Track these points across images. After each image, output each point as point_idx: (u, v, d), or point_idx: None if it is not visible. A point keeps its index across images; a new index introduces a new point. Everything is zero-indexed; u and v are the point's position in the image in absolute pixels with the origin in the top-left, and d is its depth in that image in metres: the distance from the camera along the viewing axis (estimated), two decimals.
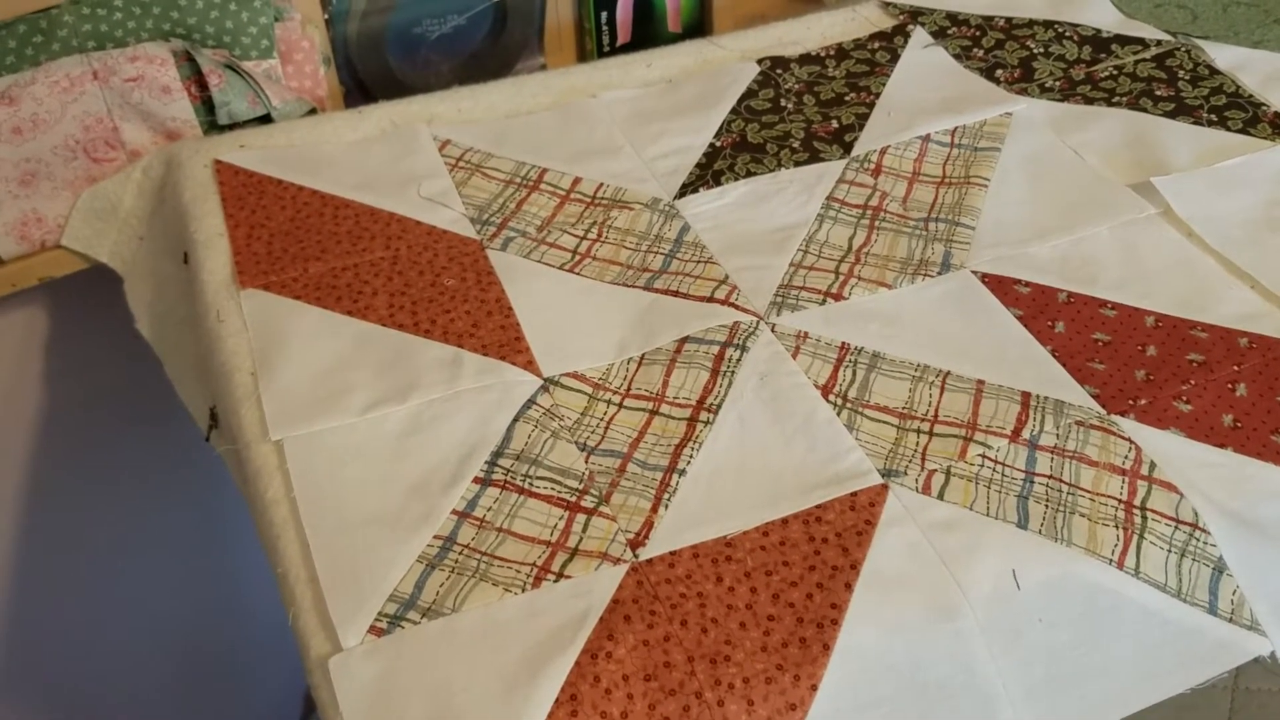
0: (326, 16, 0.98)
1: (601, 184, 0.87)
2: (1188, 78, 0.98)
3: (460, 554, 0.62)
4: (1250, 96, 0.95)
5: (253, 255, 0.81)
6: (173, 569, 1.29)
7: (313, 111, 0.97)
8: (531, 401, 0.71)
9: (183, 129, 0.92)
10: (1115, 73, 0.99)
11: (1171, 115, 0.94)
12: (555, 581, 0.61)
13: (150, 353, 0.91)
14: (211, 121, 0.93)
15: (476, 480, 0.66)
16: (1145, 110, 0.95)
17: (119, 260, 0.92)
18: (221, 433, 0.78)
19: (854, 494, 0.65)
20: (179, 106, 0.91)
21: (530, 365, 0.73)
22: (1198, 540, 0.64)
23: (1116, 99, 0.96)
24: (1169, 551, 0.64)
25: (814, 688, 0.57)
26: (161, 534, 1.26)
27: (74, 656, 1.26)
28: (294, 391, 0.71)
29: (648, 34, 1.14)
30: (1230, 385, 0.72)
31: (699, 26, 1.16)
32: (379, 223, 0.83)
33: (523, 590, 0.60)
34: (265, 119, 0.94)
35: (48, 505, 1.15)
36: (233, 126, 0.93)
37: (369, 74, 1.04)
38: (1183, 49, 1.01)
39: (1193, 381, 0.72)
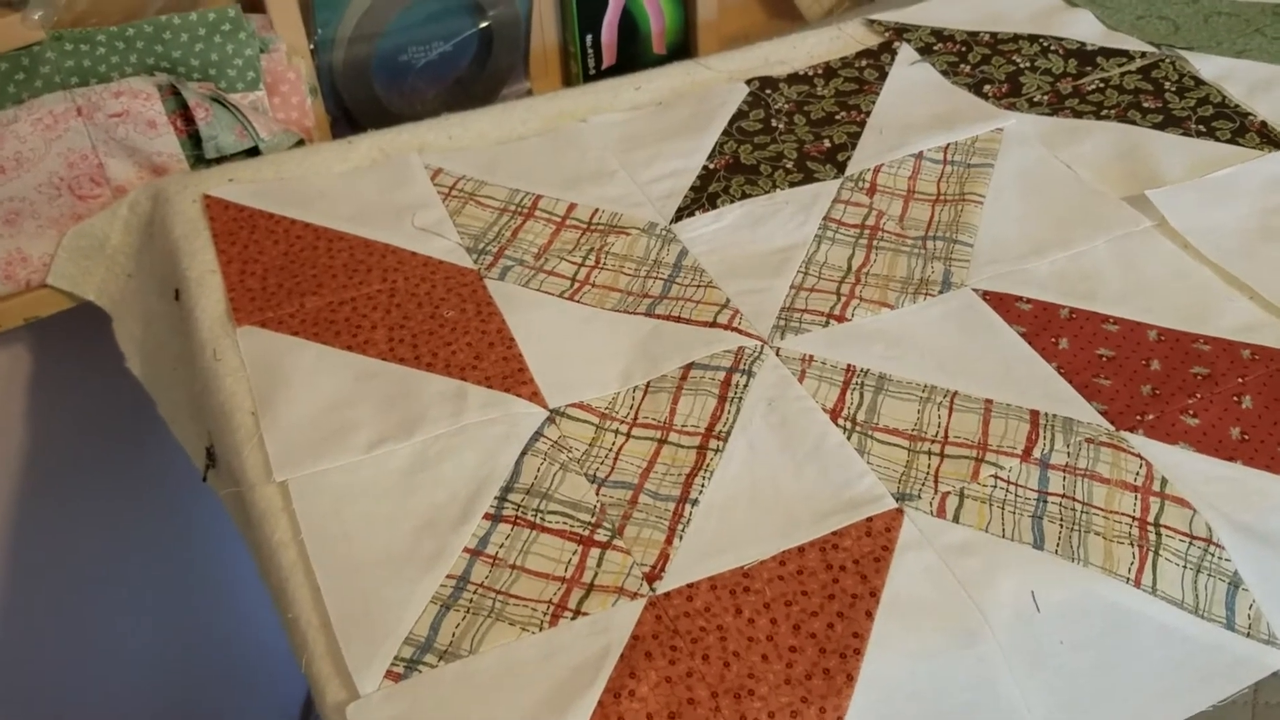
0: (312, 46, 0.97)
1: (597, 209, 0.87)
2: (1174, 89, 0.98)
3: (475, 593, 0.61)
4: (1236, 106, 0.96)
5: (247, 291, 0.80)
6: (158, 604, 1.27)
7: (300, 143, 0.96)
8: (539, 434, 0.70)
9: (169, 164, 0.91)
10: (1102, 85, 1.00)
11: (1160, 127, 0.94)
12: (573, 619, 0.60)
13: (139, 393, 0.90)
14: (198, 155, 0.91)
15: (487, 516, 0.65)
16: (1134, 123, 0.95)
17: (107, 298, 0.91)
18: (221, 474, 0.77)
19: (869, 519, 0.65)
20: (165, 141, 0.90)
21: (535, 396, 0.72)
22: (1212, 555, 0.64)
23: (1105, 112, 0.97)
24: (1184, 568, 0.63)
25: (840, 719, 0.57)
26: (146, 573, 1.24)
27: (57, 689, 1.24)
28: (296, 431, 0.70)
29: (633, 56, 1.13)
30: (1236, 397, 0.72)
31: (684, 47, 1.16)
32: (374, 255, 0.83)
33: (540, 629, 0.59)
34: (253, 151, 0.93)
35: (33, 544, 1.13)
36: (220, 160, 0.92)
37: (355, 103, 1.03)
38: (1167, 60, 1.01)
39: (1198, 395, 0.72)
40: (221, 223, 0.85)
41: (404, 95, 1.05)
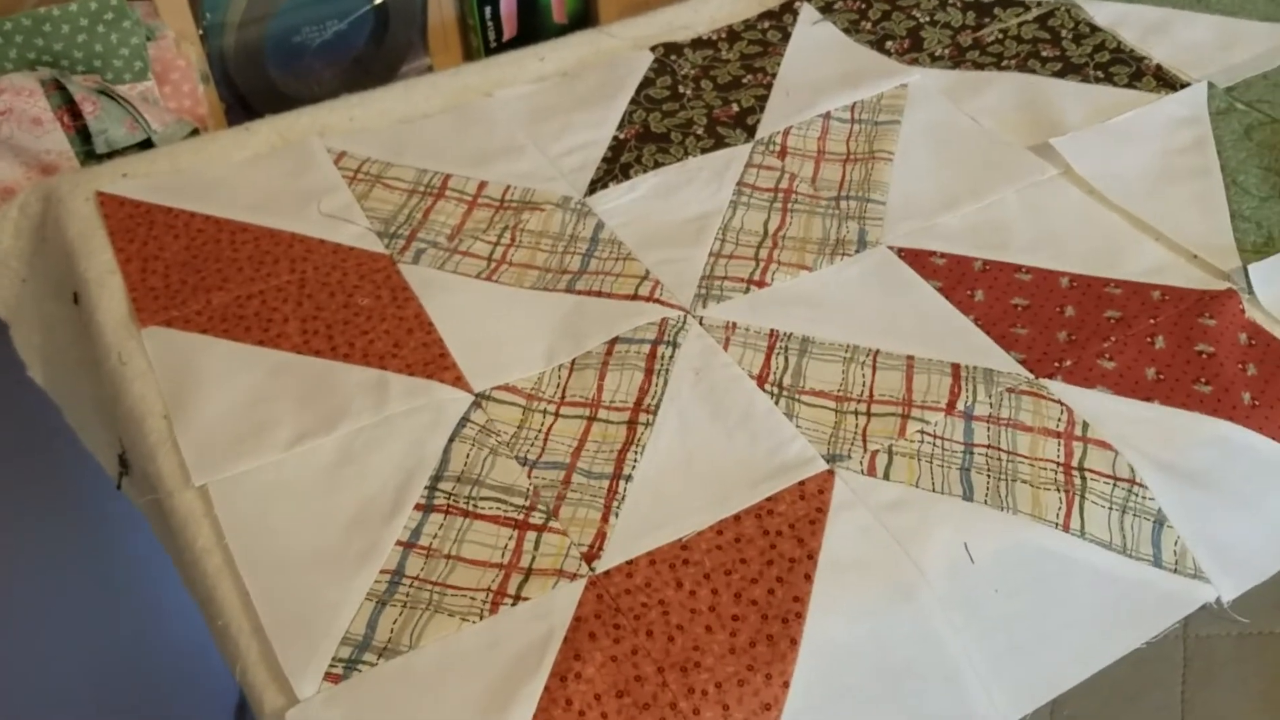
0: (201, 31, 0.94)
1: (509, 186, 0.85)
2: (1070, 37, 1.00)
3: (411, 586, 0.60)
4: (1132, 51, 0.97)
5: (150, 290, 0.77)
6: (79, 616, 1.24)
7: (195, 132, 0.92)
8: (465, 419, 0.69)
9: (58, 161, 0.87)
10: (1001, 36, 1.00)
11: (1060, 75, 0.96)
12: (513, 605, 0.59)
13: (45, 401, 0.86)
14: (89, 151, 0.88)
15: (418, 507, 0.64)
16: (1034, 72, 0.96)
17: (1, 305, 0.87)
18: (136, 481, 0.74)
19: (802, 483, 0.65)
20: (52, 138, 0.86)
21: (459, 381, 0.71)
22: (1136, 495, 0.65)
23: (1005, 63, 0.98)
24: (1110, 509, 0.65)
25: (786, 684, 0.57)
26: (66, 584, 1.20)
27: None
28: (213, 432, 0.68)
29: (534, 27, 1.11)
30: (1149, 339, 0.73)
31: (584, 15, 1.14)
32: (281, 245, 0.80)
33: (481, 618, 0.59)
34: (146, 144, 0.90)
35: None
36: (112, 155, 0.88)
37: (249, 88, 1.00)
38: (1062, 8, 1.02)
39: (1113, 338, 0.74)
40: (117, 220, 0.81)
41: (300, 78, 1.02)
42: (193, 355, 0.72)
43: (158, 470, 0.67)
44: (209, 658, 1.33)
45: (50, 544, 1.17)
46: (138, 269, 0.78)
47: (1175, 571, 0.64)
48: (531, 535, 0.63)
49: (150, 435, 0.68)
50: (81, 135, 0.87)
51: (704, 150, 0.89)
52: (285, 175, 0.86)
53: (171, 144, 0.89)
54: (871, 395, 0.70)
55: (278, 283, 0.77)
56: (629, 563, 0.61)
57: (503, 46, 1.10)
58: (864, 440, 0.68)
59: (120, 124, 0.87)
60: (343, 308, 0.75)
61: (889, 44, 1.00)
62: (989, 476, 0.66)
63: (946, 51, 0.99)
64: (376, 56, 1.05)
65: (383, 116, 0.93)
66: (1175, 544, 0.65)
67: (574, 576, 0.60)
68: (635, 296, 0.76)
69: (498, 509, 0.64)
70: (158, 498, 0.67)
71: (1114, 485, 0.65)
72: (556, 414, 0.69)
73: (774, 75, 0.96)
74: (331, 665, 0.56)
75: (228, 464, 0.66)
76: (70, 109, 0.86)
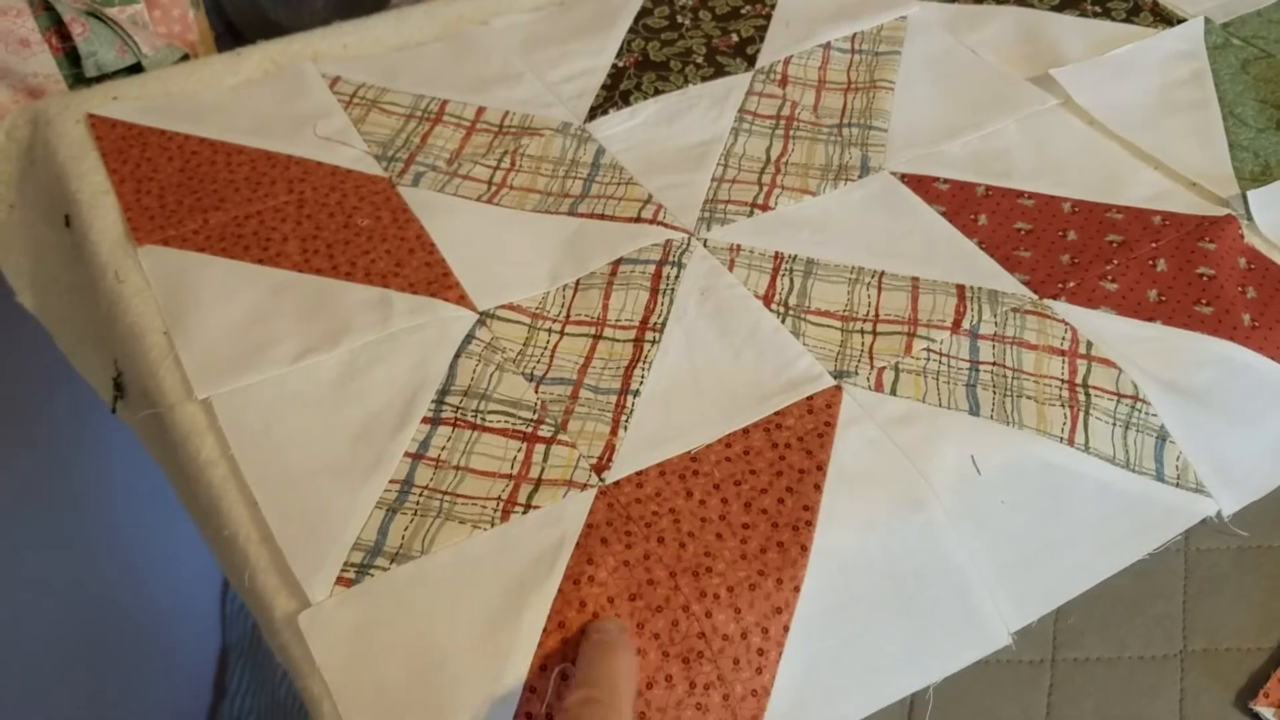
0: None
1: (507, 112, 0.85)
2: None
3: (421, 495, 0.60)
4: None
5: (145, 210, 0.76)
6: (53, 584, 1.21)
7: (185, 58, 0.91)
8: (470, 336, 0.68)
9: (46, 84, 0.85)
10: None
11: (1059, 9, 0.96)
12: (524, 513, 0.59)
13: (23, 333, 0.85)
14: (78, 74, 0.86)
15: (425, 420, 0.63)
16: (1032, 6, 0.96)
17: None
18: (132, 402, 0.73)
19: (810, 398, 0.65)
20: (40, 60, 0.84)
21: (463, 300, 0.70)
22: (1139, 411, 0.66)
23: None
24: (1114, 425, 0.65)
25: (796, 589, 0.57)
26: (35, 549, 1.18)
27: None
28: (214, 347, 0.67)
29: None
30: (1151, 262, 0.74)
31: None
32: (277, 167, 0.79)
33: (492, 525, 0.58)
34: (135, 68, 0.88)
35: None
36: (101, 78, 0.87)
37: (240, 17, 0.98)
38: None
39: (1115, 261, 0.74)
40: (110, 142, 0.80)
41: (291, 8, 1.01)
42: (191, 273, 0.71)
43: (158, 385, 0.66)
44: (183, 626, 1.32)
45: (19, 500, 1.15)
46: (132, 189, 0.77)
47: (1177, 486, 0.65)
48: (540, 447, 0.62)
49: (150, 351, 0.68)
50: (70, 58, 0.86)
51: (704, 79, 0.88)
52: (279, 99, 0.85)
53: (162, 68, 0.87)
54: (877, 315, 0.70)
55: (275, 203, 0.76)
56: (639, 474, 0.61)
57: None
58: (870, 358, 0.68)
59: (110, 47, 0.86)
60: (343, 228, 0.75)
61: None
62: (994, 392, 0.66)
63: None
64: None
65: (377, 44, 0.92)
66: (1177, 459, 0.65)
67: (584, 487, 0.60)
68: (639, 219, 0.76)
69: (506, 422, 0.64)
70: (158, 412, 0.66)
71: (1117, 402, 0.66)
72: (562, 332, 0.69)
73: (773, 6, 0.96)
74: (344, 570, 0.56)
75: (230, 378, 0.65)
76: (59, 31, 0.84)
